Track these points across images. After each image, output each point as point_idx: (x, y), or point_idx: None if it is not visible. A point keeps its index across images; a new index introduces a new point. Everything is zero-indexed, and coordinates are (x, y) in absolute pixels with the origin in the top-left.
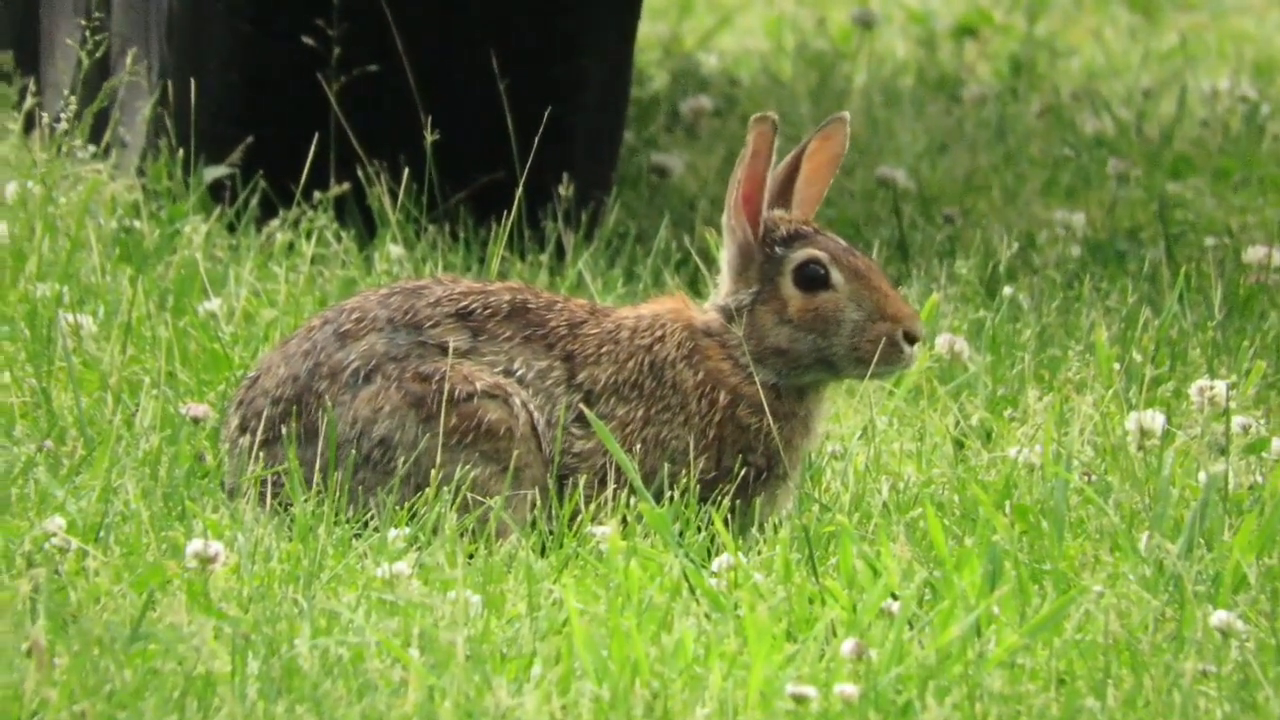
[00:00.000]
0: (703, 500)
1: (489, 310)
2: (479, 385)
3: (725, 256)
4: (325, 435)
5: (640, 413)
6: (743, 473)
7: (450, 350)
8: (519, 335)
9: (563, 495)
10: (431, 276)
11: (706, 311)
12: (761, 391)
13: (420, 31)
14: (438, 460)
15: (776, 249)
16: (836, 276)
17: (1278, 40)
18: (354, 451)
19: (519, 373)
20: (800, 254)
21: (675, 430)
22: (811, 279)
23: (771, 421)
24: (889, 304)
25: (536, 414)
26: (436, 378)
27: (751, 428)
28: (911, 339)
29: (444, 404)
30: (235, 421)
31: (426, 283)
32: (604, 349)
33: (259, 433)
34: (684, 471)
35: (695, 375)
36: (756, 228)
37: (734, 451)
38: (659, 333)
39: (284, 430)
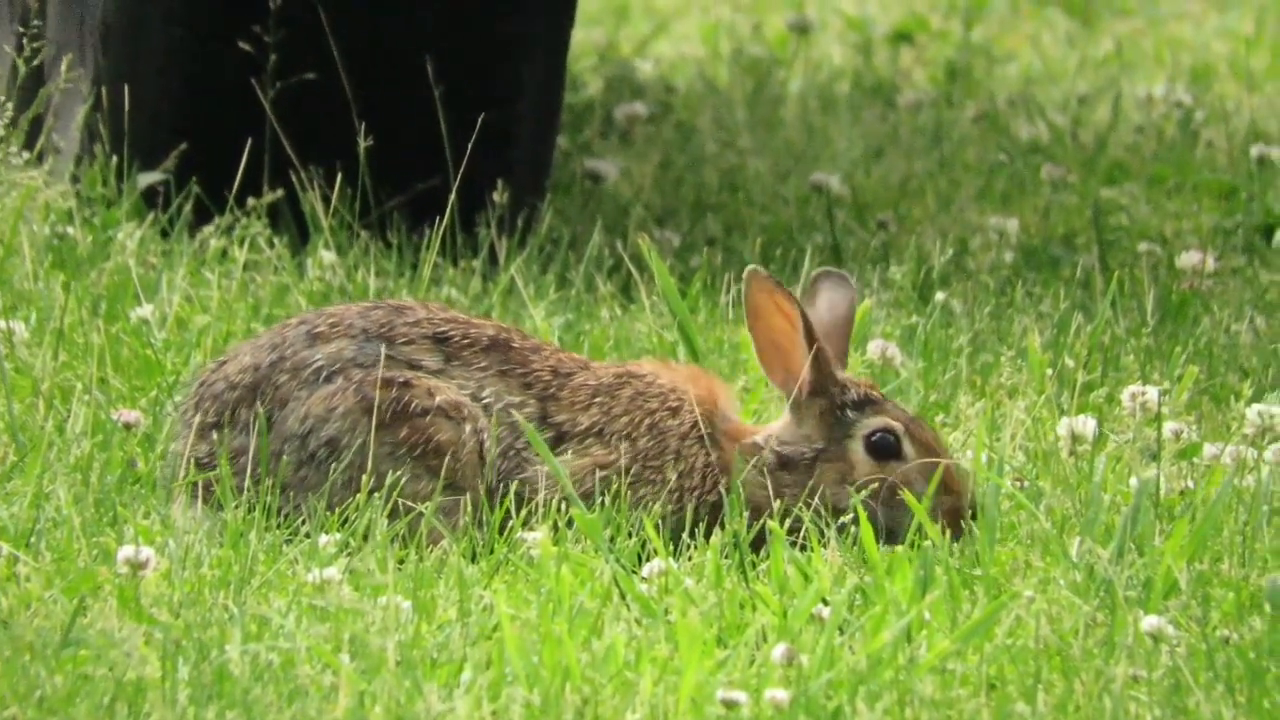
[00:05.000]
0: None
1: (467, 340)
2: (438, 400)
3: (787, 404)
4: (270, 432)
5: (624, 461)
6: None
7: (382, 355)
8: (495, 368)
9: (494, 503)
10: (421, 301)
11: (764, 452)
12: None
13: (356, 38)
14: (369, 466)
15: (848, 412)
16: (908, 449)
17: (1213, 46)
18: (300, 448)
19: (486, 400)
20: (873, 422)
21: (662, 477)
22: (882, 448)
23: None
24: (953, 480)
25: (488, 441)
26: (397, 386)
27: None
28: (967, 514)
29: (379, 411)
30: (192, 401)
31: (413, 305)
32: (596, 399)
33: (210, 414)
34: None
35: (705, 457)
36: (790, 385)
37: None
38: (673, 404)
39: (237, 415)
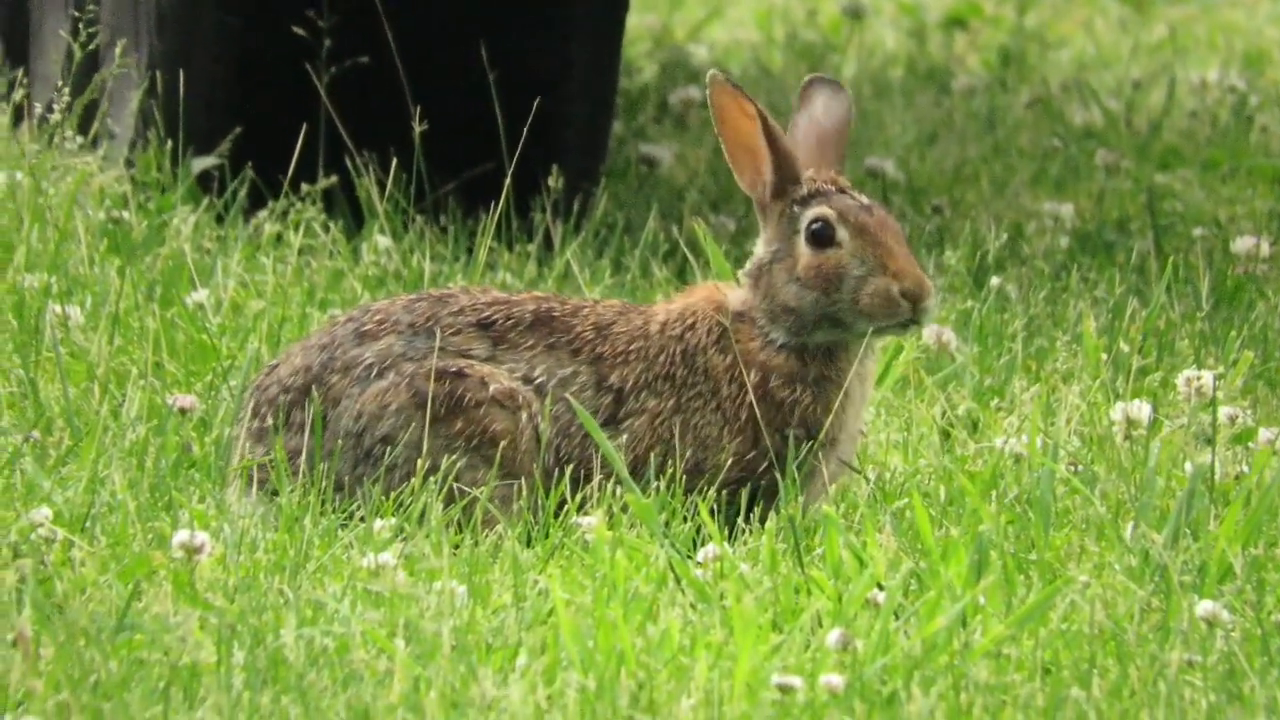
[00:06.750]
0: (741, 483)
1: (511, 320)
2: (492, 389)
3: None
4: (316, 425)
5: (671, 403)
6: (790, 445)
7: (436, 351)
8: (542, 344)
9: (550, 488)
10: (461, 286)
11: (740, 281)
12: (787, 357)
13: (410, 23)
14: (424, 449)
15: (795, 208)
16: (842, 234)
17: (1267, 32)
18: (356, 445)
19: (539, 380)
20: (811, 212)
21: (706, 416)
22: (819, 237)
23: (803, 387)
24: (891, 260)
25: (542, 424)
26: (450, 378)
27: (786, 401)
28: (909, 296)
29: (443, 405)
30: (250, 407)
31: (454, 292)
32: (633, 346)
33: (268, 419)
34: (722, 458)
35: (724, 359)
36: (756, 187)
37: (771, 430)
38: (690, 321)
39: (292, 418)
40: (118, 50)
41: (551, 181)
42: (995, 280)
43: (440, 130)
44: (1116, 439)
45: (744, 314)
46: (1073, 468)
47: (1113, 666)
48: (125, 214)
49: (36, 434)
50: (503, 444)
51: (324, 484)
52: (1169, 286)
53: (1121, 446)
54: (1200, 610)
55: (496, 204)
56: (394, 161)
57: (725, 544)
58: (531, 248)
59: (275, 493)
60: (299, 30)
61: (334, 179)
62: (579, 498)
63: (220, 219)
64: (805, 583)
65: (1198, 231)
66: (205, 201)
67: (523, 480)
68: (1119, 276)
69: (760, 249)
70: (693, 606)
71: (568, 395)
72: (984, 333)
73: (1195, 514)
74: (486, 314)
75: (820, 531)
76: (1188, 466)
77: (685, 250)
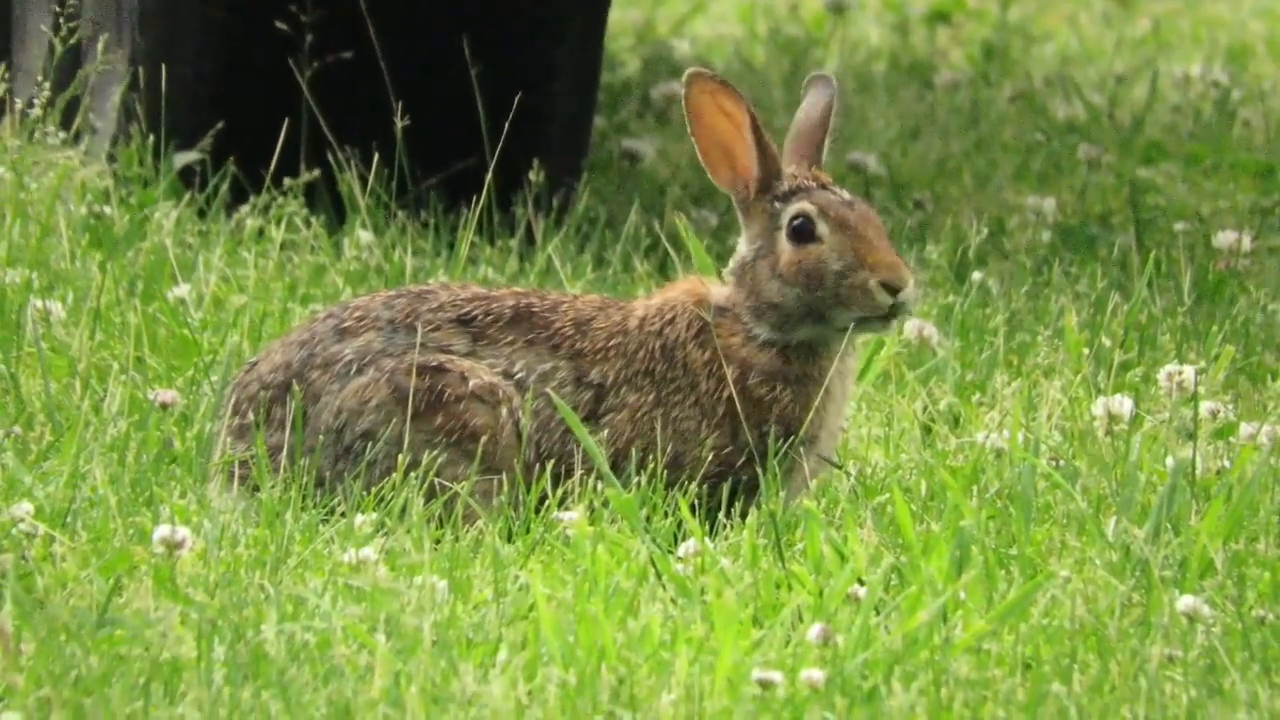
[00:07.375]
0: (720, 478)
1: (491, 316)
2: (471, 384)
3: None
4: (297, 421)
5: (650, 397)
6: (769, 442)
7: (417, 345)
8: (521, 340)
9: (531, 483)
10: (441, 283)
11: (725, 279)
12: (768, 354)
13: (392, 18)
14: (405, 444)
15: (777, 204)
16: (823, 229)
17: (1250, 26)
18: (336, 442)
19: (519, 376)
20: (792, 208)
21: (685, 410)
22: (800, 233)
23: (783, 385)
24: (872, 254)
25: (523, 418)
26: (430, 373)
27: (764, 398)
28: (890, 289)
29: (431, 402)
30: (230, 404)
31: (434, 287)
32: (613, 341)
33: (248, 416)
34: (700, 452)
35: (704, 354)
36: (737, 185)
37: (750, 425)
38: (669, 316)
39: (273, 414)
40: (100, 45)
41: (533, 176)
42: (977, 275)
43: (422, 125)
44: (1098, 434)
45: (727, 310)
46: (1054, 463)
47: (1094, 661)
48: (107, 209)
49: (18, 429)
50: (483, 439)
51: (305, 480)
52: (1151, 281)
53: (1103, 441)
54: (1181, 605)
55: (478, 199)
56: (376, 156)
57: (706, 539)
58: (513, 242)
59: (256, 488)
60: (281, 25)
61: (316, 173)
62: (560, 493)
63: (202, 214)
64: (786, 578)
65: (1180, 226)
66: (187, 196)
67: (503, 475)
68: (1101, 271)
69: (743, 246)
70: (673, 601)
71: (549, 390)
72: (965, 327)
73: (1176, 509)
74: (466, 310)
75: (801, 526)
76: (1169, 461)
77: (667, 245)
